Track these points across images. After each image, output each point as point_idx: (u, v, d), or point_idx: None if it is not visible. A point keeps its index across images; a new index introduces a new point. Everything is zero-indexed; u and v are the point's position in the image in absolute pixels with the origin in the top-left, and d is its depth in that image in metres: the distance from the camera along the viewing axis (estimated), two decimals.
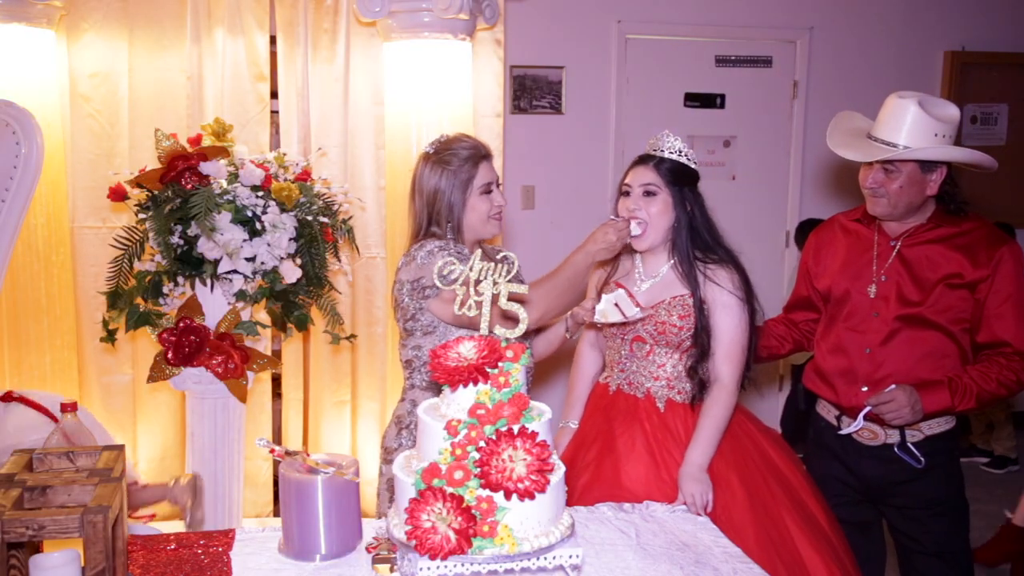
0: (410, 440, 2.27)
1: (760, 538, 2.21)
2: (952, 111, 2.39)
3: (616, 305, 2.26)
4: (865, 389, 2.45)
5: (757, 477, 2.33)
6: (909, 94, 2.38)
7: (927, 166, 2.36)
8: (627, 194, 2.38)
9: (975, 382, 2.34)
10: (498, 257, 1.67)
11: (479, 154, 2.30)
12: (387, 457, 2.34)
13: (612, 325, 2.36)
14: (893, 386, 2.34)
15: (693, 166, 2.40)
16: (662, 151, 2.38)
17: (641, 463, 2.31)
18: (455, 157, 2.28)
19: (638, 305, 2.30)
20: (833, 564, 2.24)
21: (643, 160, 2.40)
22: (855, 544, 2.45)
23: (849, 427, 2.47)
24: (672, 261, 2.39)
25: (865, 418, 2.45)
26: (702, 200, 2.41)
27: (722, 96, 5.13)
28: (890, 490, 2.49)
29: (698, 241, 2.37)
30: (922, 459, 2.41)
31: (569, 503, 2.21)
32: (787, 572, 2.19)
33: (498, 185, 2.35)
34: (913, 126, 2.34)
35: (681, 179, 2.37)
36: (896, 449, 2.43)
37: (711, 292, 2.33)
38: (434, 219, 2.30)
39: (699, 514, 2.17)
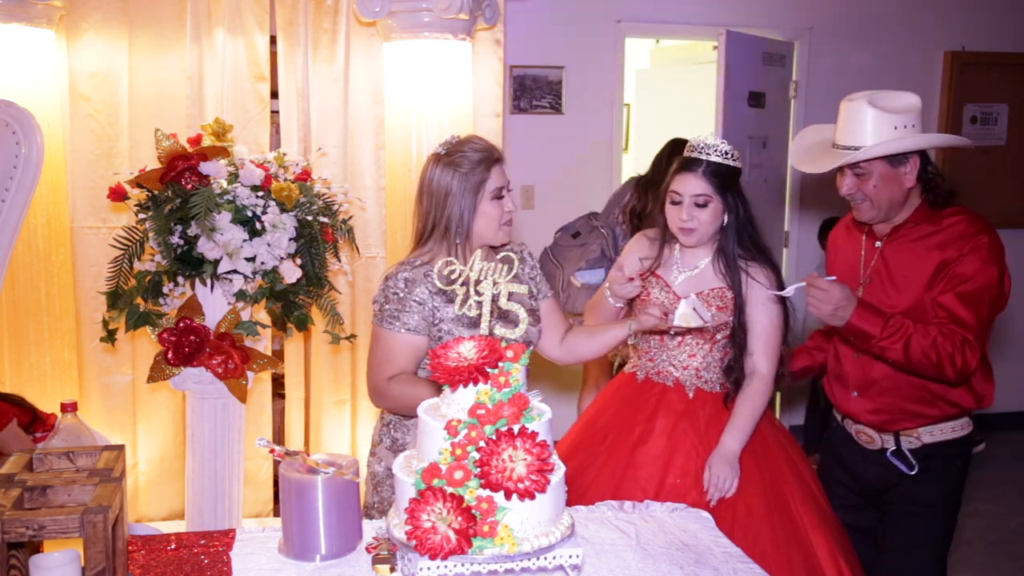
0: (388, 438, 2.29)
1: (773, 525, 2.29)
2: (907, 100, 2.31)
3: (694, 310, 2.28)
4: (855, 395, 2.44)
5: (775, 467, 2.39)
6: (858, 95, 2.32)
7: (895, 160, 2.29)
8: (678, 203, 2.40)
9: (914, 330, 2.22)
10: (498, 257, 1.67)
11: (491, 157, 2.20)
12: (372, 450, 2.36)
13: (690, 331, 2.38)
14: (833, 278, 2.26)
15: (736, 164, 2.42)
16: (708, 154, 2.39)
17: (657, 445, 2.38)
18: (466, 159, 2.18)
19: (709, 309, 2.37)
20: (840, 555, 2.31)
21: (689, 166, 2.40)
22: (858, 549, 2.45)
23: (784, 291, 2.36)
24: (711, 257, 2.45)
25: (857, 421, 2.45)
26: (745, 197, 2.46)
27: None
28: (885, 493, 2.48)
29: (742, 240, 2.43)
30: (915, 465, 2.38)
31: (582, 487, 2.25)
32: (801, 558, 2.26)
33: (509, 190, 2.26)
34: (870, 125, 2.28)
35: (728, 183, 2.40)
36: (889, 455, 2.41)
37: (752, 290, 2.40)
38: (441, 223, 2.19)
39: (711, 501, 2.26)
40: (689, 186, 2.39)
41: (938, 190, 2.35)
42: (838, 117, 2.37)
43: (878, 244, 2.42)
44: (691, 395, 2.43)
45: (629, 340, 2.42)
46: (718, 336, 2.40)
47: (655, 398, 2.45)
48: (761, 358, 2.40)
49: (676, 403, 2.43)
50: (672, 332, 2.41)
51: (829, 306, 2.21)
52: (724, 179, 2.39)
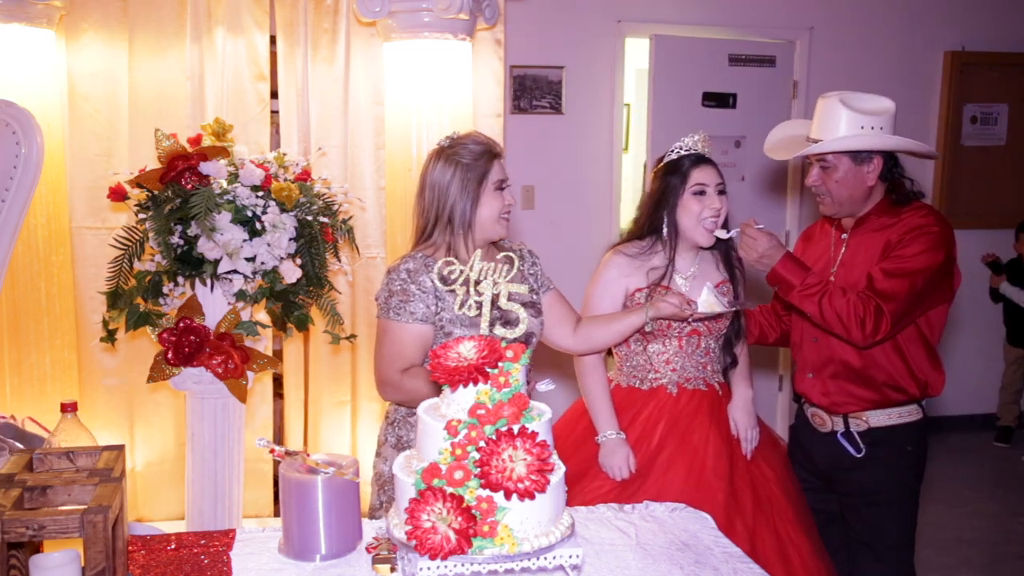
0: (394, 436, 2.30)
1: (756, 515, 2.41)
2: (879, 104, 2.42)
3: (716, 297, 2.35)
4: (811, 376, 2.54)
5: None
6: (834, 94, 2.45)
7: (860, 158, 2.41)
8: (703, 193, 2.45)
9: (832, 289, 2.33)
10: (499, 257, 1.67)
11: (493, 151, 2.25)
12: (377, 450, 2.36)
13: (711, 317, 2.43)
14: (761, 226, 2.38)
15: None
16: (702, 150, 2.49)
17: (721, 456, 2.44)
18: (469, 152, 2.21)
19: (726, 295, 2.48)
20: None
21: (705, 160, 2.49)
22: (824, 532, 2.53)
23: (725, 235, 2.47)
24: (698, 254, 2.53)
25: (811, 404, 2.55)
26: None
27: (734, 96, 5.12)
28: (836, 477, 2.56)
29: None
30: (862, 447, 2.46)
31: (648, 492, 2.33)
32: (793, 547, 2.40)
33: (508, 185, 2.29)
34: (836, 121, 2.40)
35: None
36: (839, 436, 2.50)
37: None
38: (444, 215, 2.21)
39: (747, 455, 2.47)
40: (713, 176, 2.47)
41: (902, 190, 2.46)
42: (814, 112, 2.50)
43: (844, 236, 2.53)
44: (720, 392, 2.53)
45: (646, 327, 2.43)
46: (723, 326, 2.50)
47: (701, 408, 2.49)
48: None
49: (719, 408, 2.52)
50: (691, 320, 2.42)
51: (755, 252, 2.36)
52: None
